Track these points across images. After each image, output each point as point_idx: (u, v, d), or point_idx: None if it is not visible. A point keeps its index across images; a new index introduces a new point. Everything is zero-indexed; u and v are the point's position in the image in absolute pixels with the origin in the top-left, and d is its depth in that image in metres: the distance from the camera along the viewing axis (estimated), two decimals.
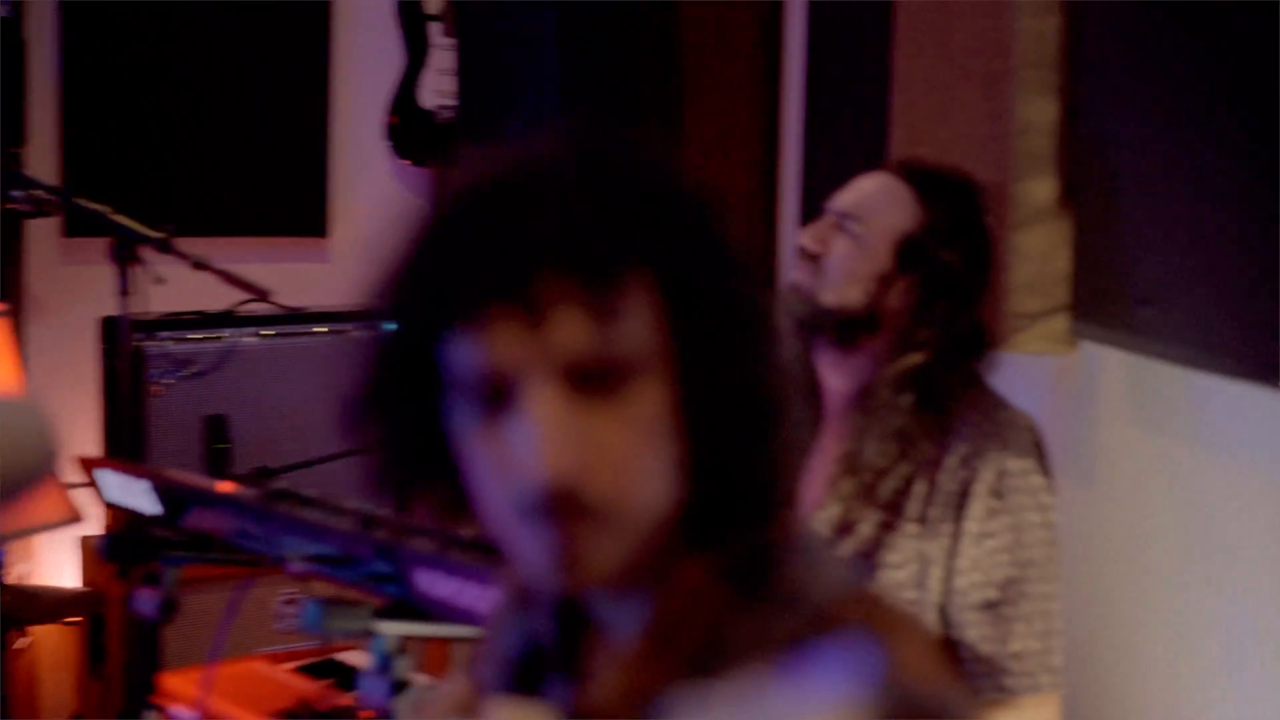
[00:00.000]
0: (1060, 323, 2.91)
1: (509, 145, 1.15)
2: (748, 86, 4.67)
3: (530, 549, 1.10)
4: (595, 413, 1.08)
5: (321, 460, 4.35)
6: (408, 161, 5.02)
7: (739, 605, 1.12)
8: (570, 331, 1.07)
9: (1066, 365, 3.03)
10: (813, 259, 2.58)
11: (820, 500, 2.61)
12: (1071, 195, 2.85)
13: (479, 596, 2.13)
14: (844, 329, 2.55)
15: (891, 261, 2.54)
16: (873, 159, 3.42)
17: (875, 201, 2.57)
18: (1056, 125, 2.88)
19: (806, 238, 2.60)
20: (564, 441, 1.07)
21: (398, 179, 5.09)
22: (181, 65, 4.79)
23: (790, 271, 2.64)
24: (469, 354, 1.09)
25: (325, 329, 4.62)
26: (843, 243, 2.56)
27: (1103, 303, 2.72)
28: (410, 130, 4.98)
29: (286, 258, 5.02)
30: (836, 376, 2.62)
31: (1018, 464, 2.48)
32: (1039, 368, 3.07)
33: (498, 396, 1.09)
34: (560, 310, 1.07)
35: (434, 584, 2.19)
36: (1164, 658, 2.73)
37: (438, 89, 4.87)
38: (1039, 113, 2.89)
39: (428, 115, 4.94)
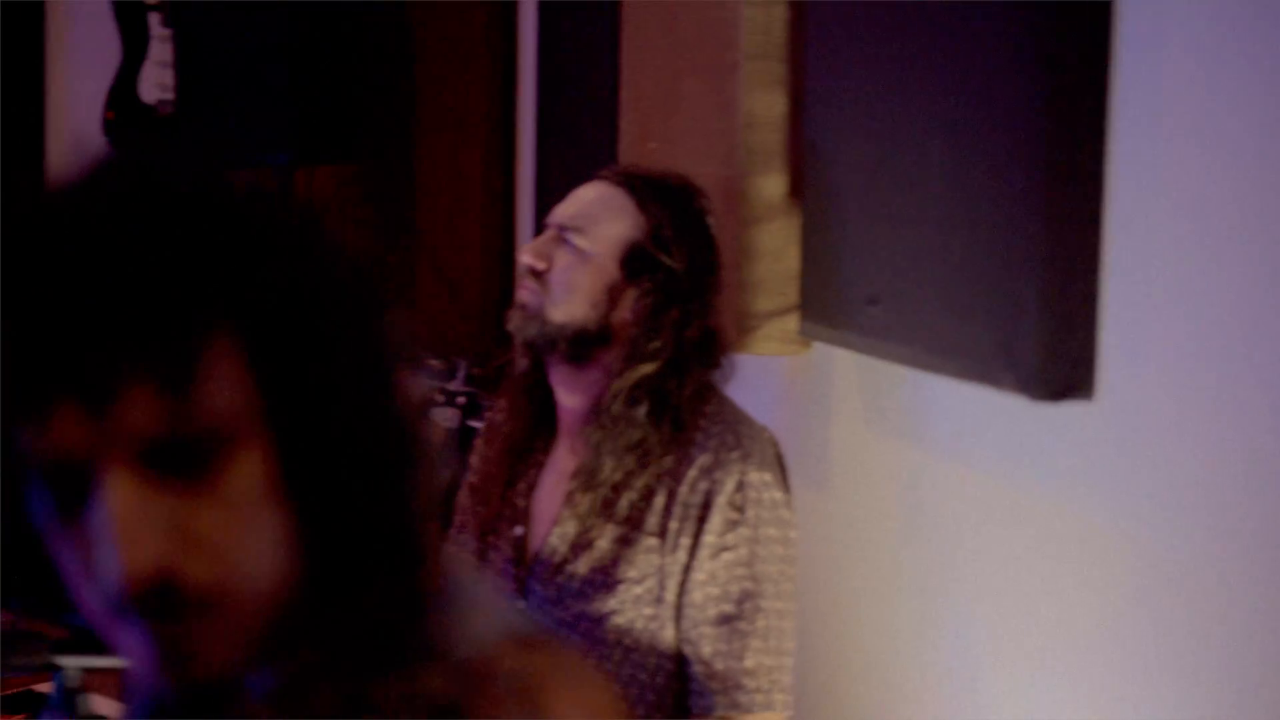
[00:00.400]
0: (793, 322, 2.83)
1: (46, 192, 0.99)
2: (482, 87, 4.58)
3: (131, 649, 0.97)
4: (182, 496, 0.95)
5: None
6: None
7: (377, 670, 1.00)
8: (139, 412, 0.93)
9: (799, 366, 2.96)
10: (537, 275, 2.52)
11: (556, 517, 2.55)
12: (799, 191, 2.77)
13: None
14: (575, 345, 2.50)
15: (617, 272, 2.50)
16: (605, 157, 3.34)
17: (595, 212, 2.53)
18: (784, 119, 2.81)
19: (528, 254, 2.54)
20: (144, 536, 0.93)
21: None
22: None
23: (518, 289, 2.58)
24: (35, 445, 0.94)
25: None
26: (566, 256, 2.51)
27: (831, 302, 2.64)
28: (130, 125, 4.75)
29: None
30: (571, 394, 2.57)
31: (758, 476, 2.45)
32: (772, 369, 3.00)
33: (74, 489, 0.95)
34: (124, 390, 0.93)
35: None
36: (897, 663, 2.67)
37: (158, 82, 4.65)
38: (766, 106, 2.81)
39: (148, 110, 4.72)
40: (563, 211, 2.56)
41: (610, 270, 2.50)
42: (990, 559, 2.43)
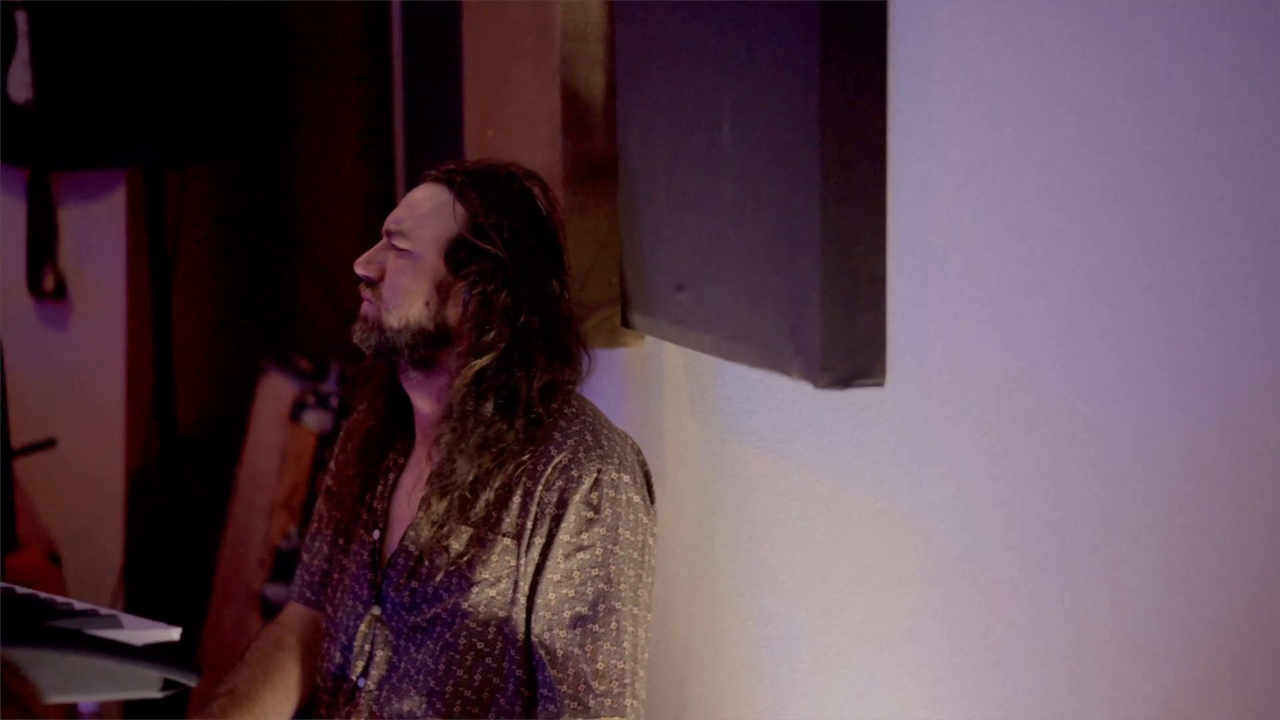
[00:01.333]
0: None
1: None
2: (358, 85, 4.50)
3: None
4: None
5: None
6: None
7: None
8: None
9: (636, 359, 2.86)
10: (371, 285, 2.49)
11: (413, 519, 2.49)
12: (618, 175, 2.68)
13: None
14: (416, 348, 2.45)
15: (443, 268, 2.46)
16: (460, 150, 3.25)
17: (417, 213, 2.49)
18: (605, 101, 2.71)
19: (360, 265, 2.50)
20: None
21: None
22: None
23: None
24: None
25: None
26: (395, 261, 2.47)
27: (646, 289, 2.55)
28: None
29: None
30: (423, 398, 2.52)
31: (616, 476, 2.40)
32: (611, 363, 2.91)
33: None
34: None
35: None
36: (725, 664, 2.58)
37: (27, 81, 4.53)
38: (587, 88, 2.71)
39: (19, 110, 4.60)
40: (391, 217, 2.53)
41: (437, 267, 2.46)
42: (806, 553, 2.34)
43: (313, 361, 4.24)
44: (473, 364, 2.41)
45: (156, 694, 1.94)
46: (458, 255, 2.45)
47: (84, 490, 4.86)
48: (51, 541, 4.80)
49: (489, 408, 2.41)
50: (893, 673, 2.14)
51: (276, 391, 4.32)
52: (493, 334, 2.42)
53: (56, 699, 1.86)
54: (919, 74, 1.99)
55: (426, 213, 2.48)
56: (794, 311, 2.05)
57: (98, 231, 4.87)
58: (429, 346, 2.45)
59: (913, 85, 2.00)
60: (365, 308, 2.49)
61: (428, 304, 2.44)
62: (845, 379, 2.02)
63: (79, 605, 2.00)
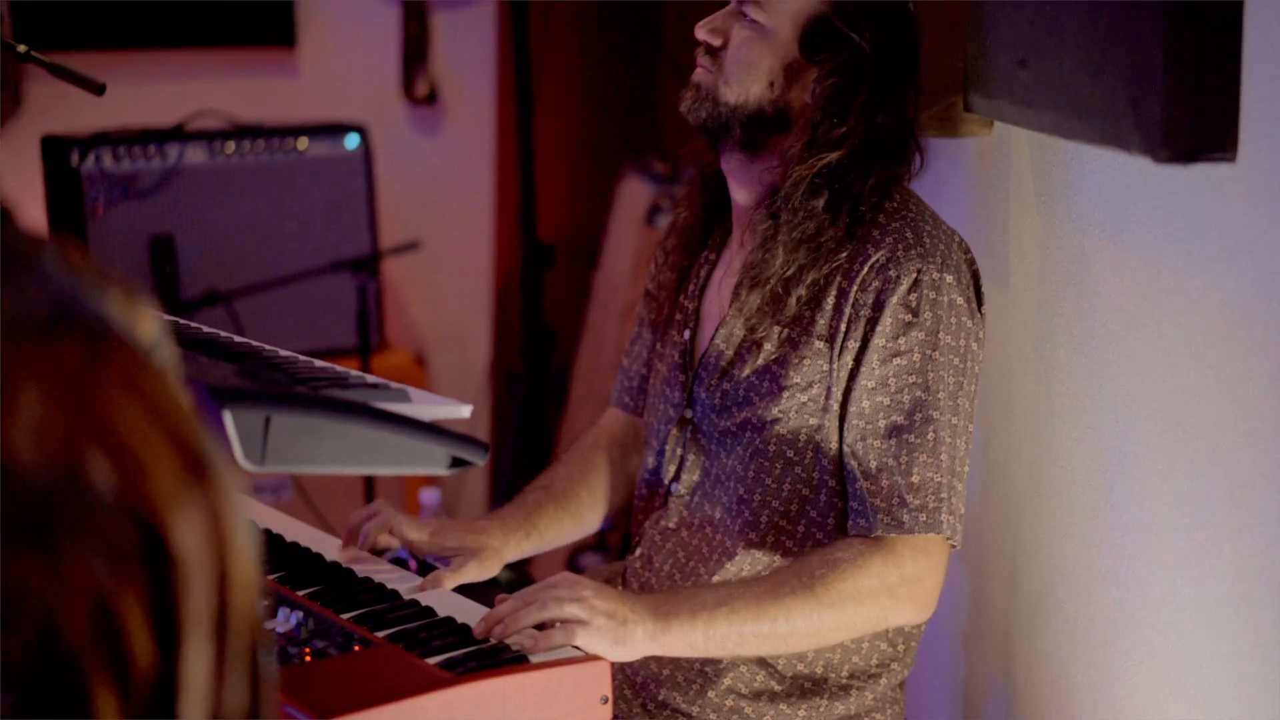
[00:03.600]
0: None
1: None
2: None
3: None
4: None
5: (275, 283, 4.15)
6: None
7: None
8: None
9: (983, 150, 2.66)
10: (712, 53, 2.33)
11: (724, 316, 2.38)
12: None
13: None
14: (749, 129, 2.30)
15: (796, 49, 2.28)
16: None
17: None
18: None
19: (703, 30, 2.33)
20: None
21: None
22: None
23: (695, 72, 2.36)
24: None
25: (279, 144, 4.37)
26: (743, 32, 2.30)
27: (988, 67, 2.35)
28: None
29: (255, 70, 4.77)
30: (743, 186, 2.37)
31: (938, 276, 2.23)
32: (954, 153, 2.72)
33: None
34: None
35: None
36: (1058, 474, 2.39)
37: None
38: None
39: None
40: None
41: (789, 46, 2.29)
42: (1150, 352, 2.13)
43: (670, 164, 4.15)
44: (821, 157, 2.26)
45: (443, 471, 1.88)
46: (815, 37, 2.28)
47: (452, 293, 4.92)
48: (419, 343, 4.88)
49: (820, 203, 2.26)
50: (1239, 491, 1.92)
51: (634, 195, 4.25)
52: (844, 129, 2.26)
53: (337, 469, 1.82)
54: None
55: None
56: (1136, 79, 1.84)
57: (470, 39, 4.87)
58: (761, 130, 2.30)
59: None
60: (700, 75, 2.34)
61: (772, 84, 2.29)
62: (1190, 152, 1.80)
63: (371, 379, 1.96)
